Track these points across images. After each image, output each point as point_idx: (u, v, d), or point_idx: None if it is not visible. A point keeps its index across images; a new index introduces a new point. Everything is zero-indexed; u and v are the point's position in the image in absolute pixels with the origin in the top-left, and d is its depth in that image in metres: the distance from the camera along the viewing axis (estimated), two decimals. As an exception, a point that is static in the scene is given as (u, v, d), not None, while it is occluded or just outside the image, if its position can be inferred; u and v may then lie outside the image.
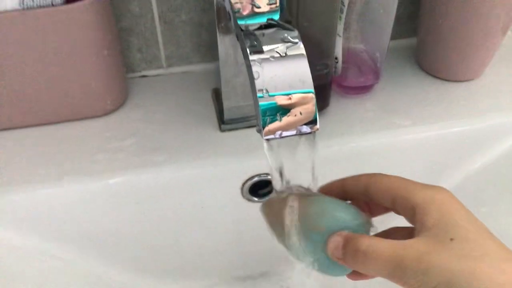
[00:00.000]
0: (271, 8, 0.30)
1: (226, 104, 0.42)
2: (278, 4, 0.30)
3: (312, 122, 0.28)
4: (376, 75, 0.46)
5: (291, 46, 0.28)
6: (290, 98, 0.27)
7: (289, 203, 0.28)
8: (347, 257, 0.25)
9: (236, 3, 0.29)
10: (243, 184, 0.42)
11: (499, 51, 0.47)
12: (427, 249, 0.23)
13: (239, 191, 0.43)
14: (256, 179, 0.42)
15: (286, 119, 0.27)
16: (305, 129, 0.28)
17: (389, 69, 0.49)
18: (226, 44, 0.39)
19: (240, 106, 0.43)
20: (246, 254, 0.47)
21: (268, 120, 0.27)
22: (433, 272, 0.22)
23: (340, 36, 0.42)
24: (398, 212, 0.27)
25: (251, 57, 0.27)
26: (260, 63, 0.27)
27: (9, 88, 0.40)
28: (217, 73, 0.45)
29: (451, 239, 0.23)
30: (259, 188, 0.44)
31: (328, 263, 0.28)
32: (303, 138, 0.29)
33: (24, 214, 0.39)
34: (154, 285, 0.46)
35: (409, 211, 0.25)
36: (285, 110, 0.27)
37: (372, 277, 0.26)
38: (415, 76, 0.49)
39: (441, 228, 0.23)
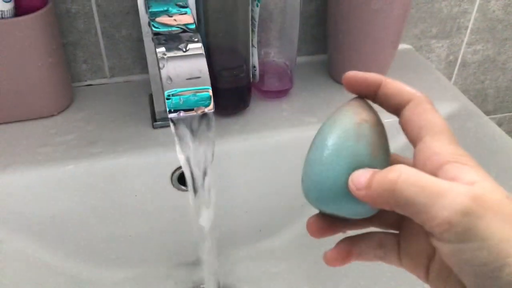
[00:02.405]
0: (186, 21, 0.37)
1: (157, 103, 0.49)
2: (192, 20, 0.37)
3: (208, 105, 0.34)
4: (290, 80, 0.54)
5: (192, 45, 0.35)
6: (190, 85, 0.34)
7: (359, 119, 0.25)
8: (377, 185, 0.22)
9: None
10: (172, 174, 0.48)
11: (394, 61, 0.56)
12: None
13: (169, 180, 0.48)
14: (184, 169, 0.48)
15: (186, 103, 0.34)
16: (202, 109, 0.34)
17: (305, 79, 0.57)
18: (153, 54, 0.46)
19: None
20: (178, 242, 0.53)
21: (171, 102, 0.33)
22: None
23: (254, 47, 0.49)
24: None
25: (159, 54, 0.34)
26: (165, 57, 0.34)
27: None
28: (152, 81, 0.52)
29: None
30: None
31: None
32: (204, 121, 0.35)
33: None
34: (92, 272, 0.50)
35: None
36: (186, 95, 0.34)
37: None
38: (325, 84, 0.56)
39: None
